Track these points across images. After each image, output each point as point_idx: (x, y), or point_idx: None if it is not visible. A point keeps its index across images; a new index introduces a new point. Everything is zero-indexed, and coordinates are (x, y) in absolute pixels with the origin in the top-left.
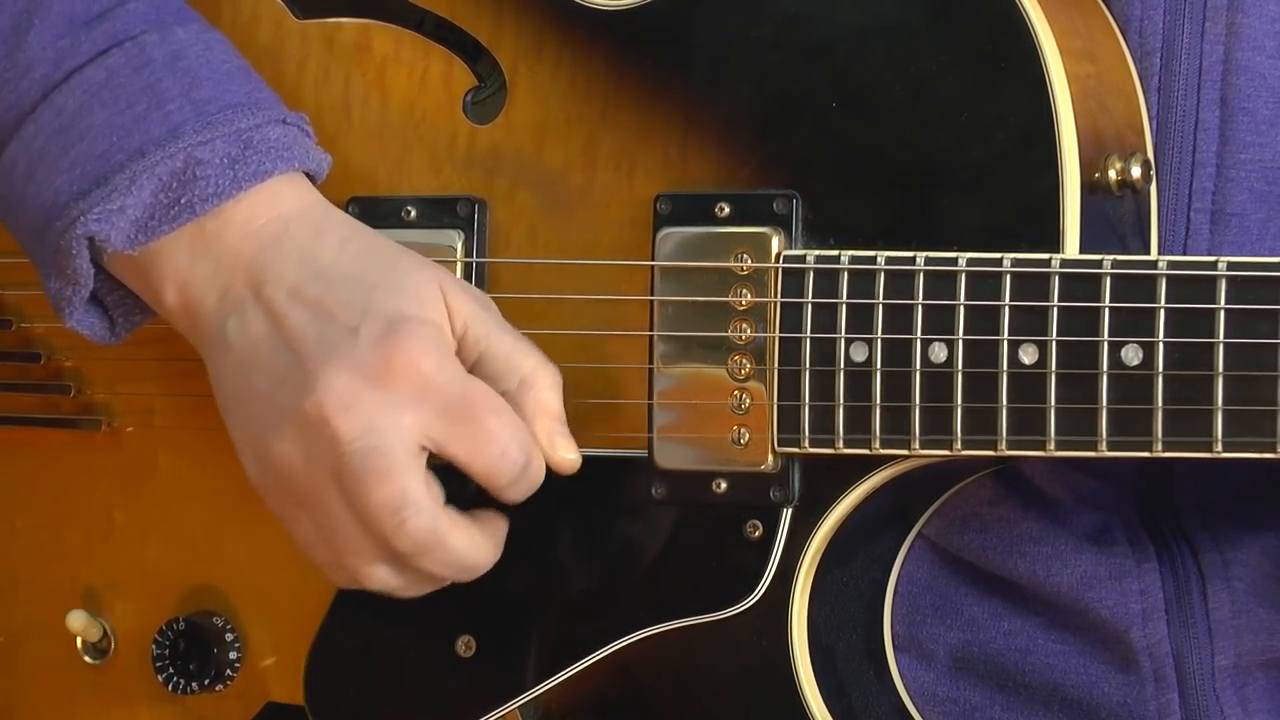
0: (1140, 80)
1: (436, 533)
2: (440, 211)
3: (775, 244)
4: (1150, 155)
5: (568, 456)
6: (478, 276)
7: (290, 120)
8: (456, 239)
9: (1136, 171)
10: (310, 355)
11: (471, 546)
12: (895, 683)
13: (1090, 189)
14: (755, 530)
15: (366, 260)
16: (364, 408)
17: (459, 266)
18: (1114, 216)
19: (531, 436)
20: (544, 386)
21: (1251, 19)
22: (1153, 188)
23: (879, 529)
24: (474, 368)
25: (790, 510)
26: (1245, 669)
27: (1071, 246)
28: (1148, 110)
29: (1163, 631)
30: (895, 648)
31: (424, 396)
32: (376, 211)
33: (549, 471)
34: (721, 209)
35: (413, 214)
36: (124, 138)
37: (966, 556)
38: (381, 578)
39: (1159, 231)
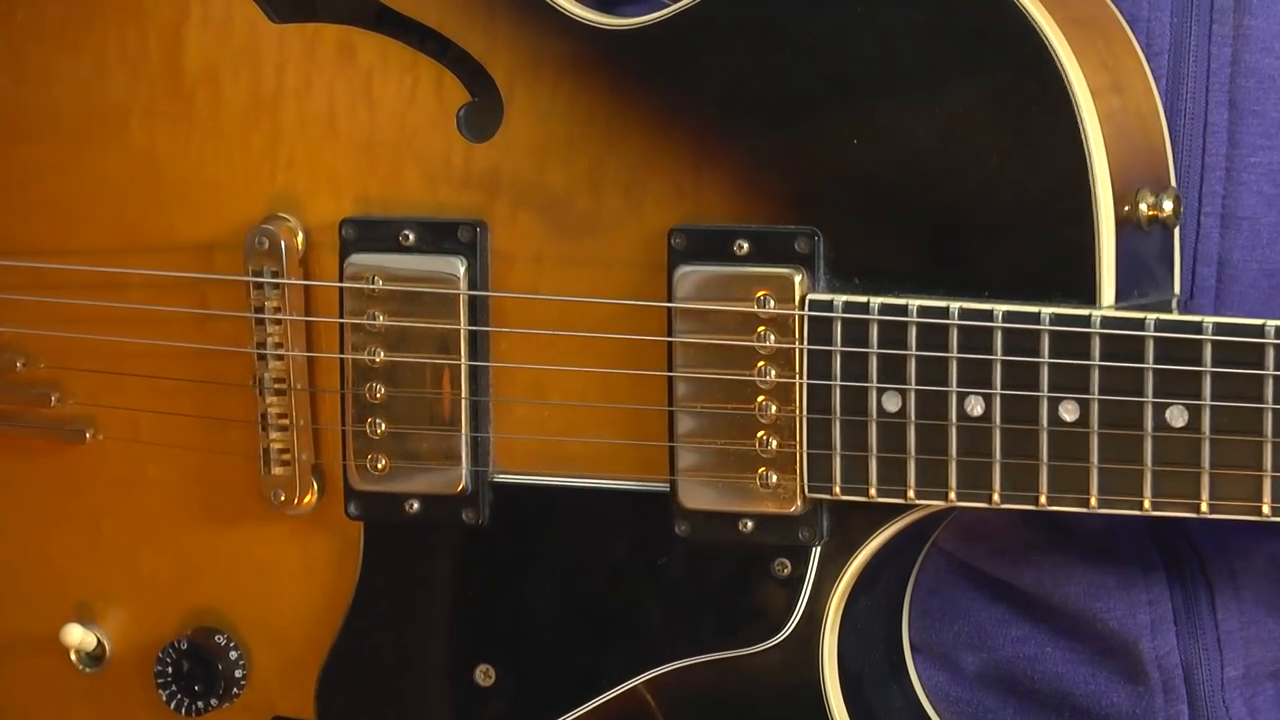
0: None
1: None
2: (440, 236)
3: (798, 285)
4: (1174, 182)
5: None
6: (481, 309)
7: None
8: (459, 265)
9: (1168, 206)
10: None
11: None
12: (915, 688)
13: (1120, 223)
14: (784, 568)
15: None
16: None
17: (463, 299)
18: (1142, 250)
19: None
20: None
21: (1259, 21)
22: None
23: (900, 550)
24: None
25: (819, 548)
26: (1254, 680)
27: (1107, 295)
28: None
29: (1172, 643)
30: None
31: None
32: (372, 235)
33: (569, 505)
34: (740, 246)
35: (411, 238)
36: None
37: (974, 563)
38: None
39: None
